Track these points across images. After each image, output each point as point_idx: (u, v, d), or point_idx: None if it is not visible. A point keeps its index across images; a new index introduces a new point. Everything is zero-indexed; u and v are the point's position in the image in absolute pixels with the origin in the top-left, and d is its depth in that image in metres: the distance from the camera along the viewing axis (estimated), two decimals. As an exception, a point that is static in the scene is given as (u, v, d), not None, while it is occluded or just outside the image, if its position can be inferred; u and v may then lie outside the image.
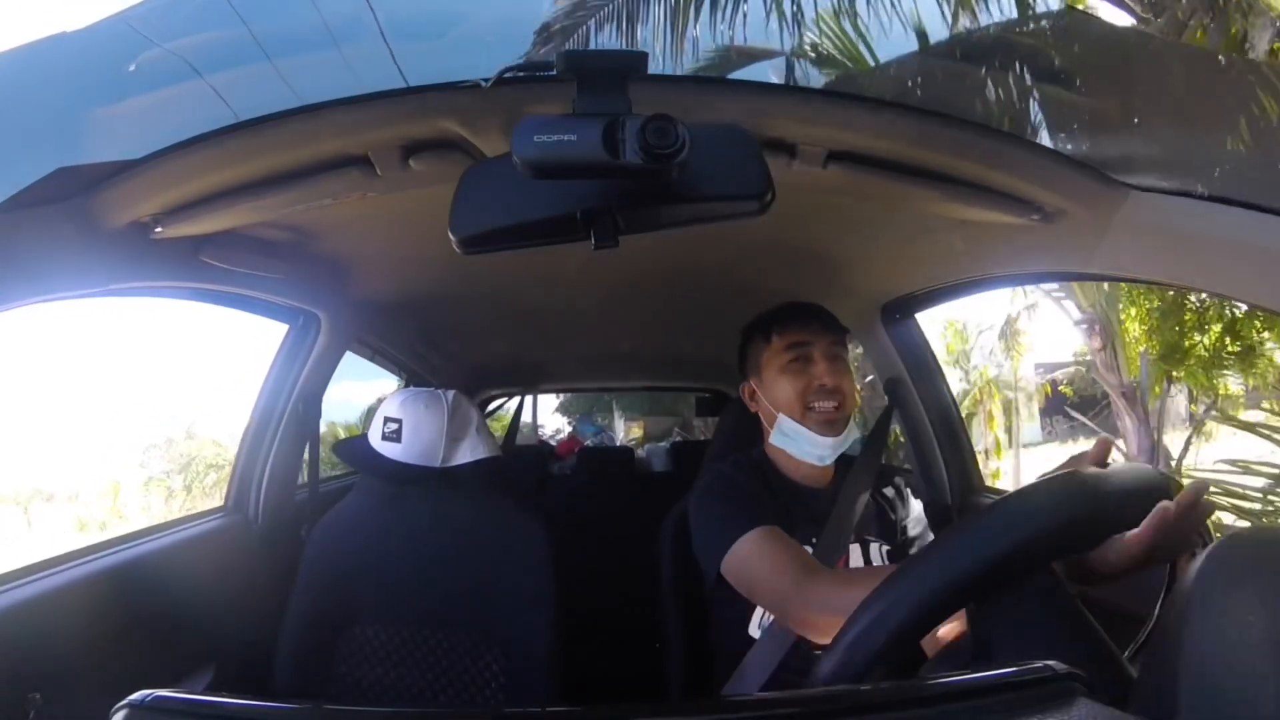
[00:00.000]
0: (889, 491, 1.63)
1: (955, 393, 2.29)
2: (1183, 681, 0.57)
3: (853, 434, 1.55)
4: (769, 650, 1.40)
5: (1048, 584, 0.83)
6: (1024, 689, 0.60)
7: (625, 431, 10.57)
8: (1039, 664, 0.62)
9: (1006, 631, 0.81)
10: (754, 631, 1.45)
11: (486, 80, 0.97)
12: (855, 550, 1.51)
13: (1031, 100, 1.18)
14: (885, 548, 1.54)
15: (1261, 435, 3.86)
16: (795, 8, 1.20)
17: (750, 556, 1.38)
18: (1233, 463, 3.70)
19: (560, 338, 3.32)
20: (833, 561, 1.47)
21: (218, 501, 2.05)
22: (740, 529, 1.40)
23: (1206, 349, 6.37)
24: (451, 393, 1.79)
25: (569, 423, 10.52)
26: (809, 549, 1.47)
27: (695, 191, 0.88)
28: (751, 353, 1.62)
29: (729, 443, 1.81)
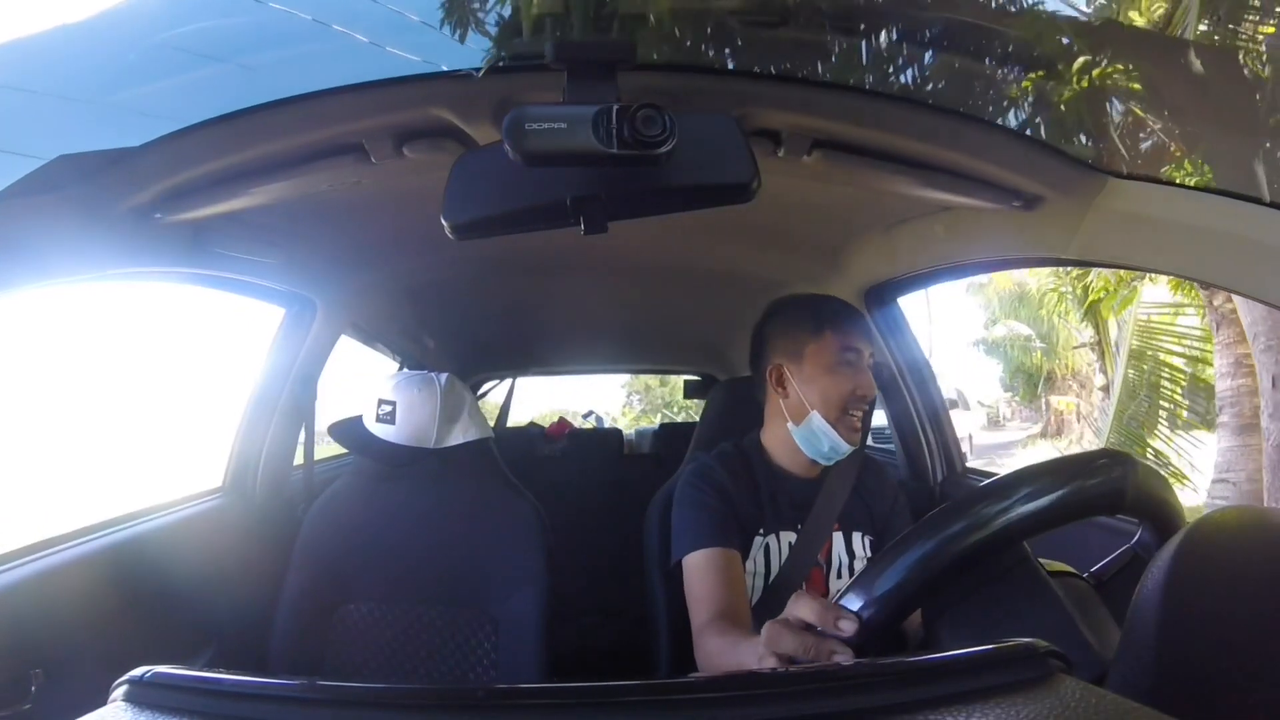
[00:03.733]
0: (872, 482, 1.62)
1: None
2: (1160, 659, 0.58)
3: None
4: (755, 632, 1.43)
5: (1018, 559, 0.86)
6: (1004, 667, 0.60)
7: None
8: (1019, 641, 0.62)
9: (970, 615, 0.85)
10: None
11: (478, 69, 0.99)
12: (838, 539, 1.53)
13: (1012, 89, 1.20)
14: (868, 538, 1.56)
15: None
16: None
17: (693, 572, 1.44)
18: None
19: (551, 322, 3.33)
20: (815, 549, 1.50)
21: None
22: (699, 542, 1.45)
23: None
24: (444, 375, 1.81)
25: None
26: (794, 535, 1.51)
27: (682, 179, 0.89)
28: (788, 338, 1.56)
29: (716, 427, 1.83)
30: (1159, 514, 0.90)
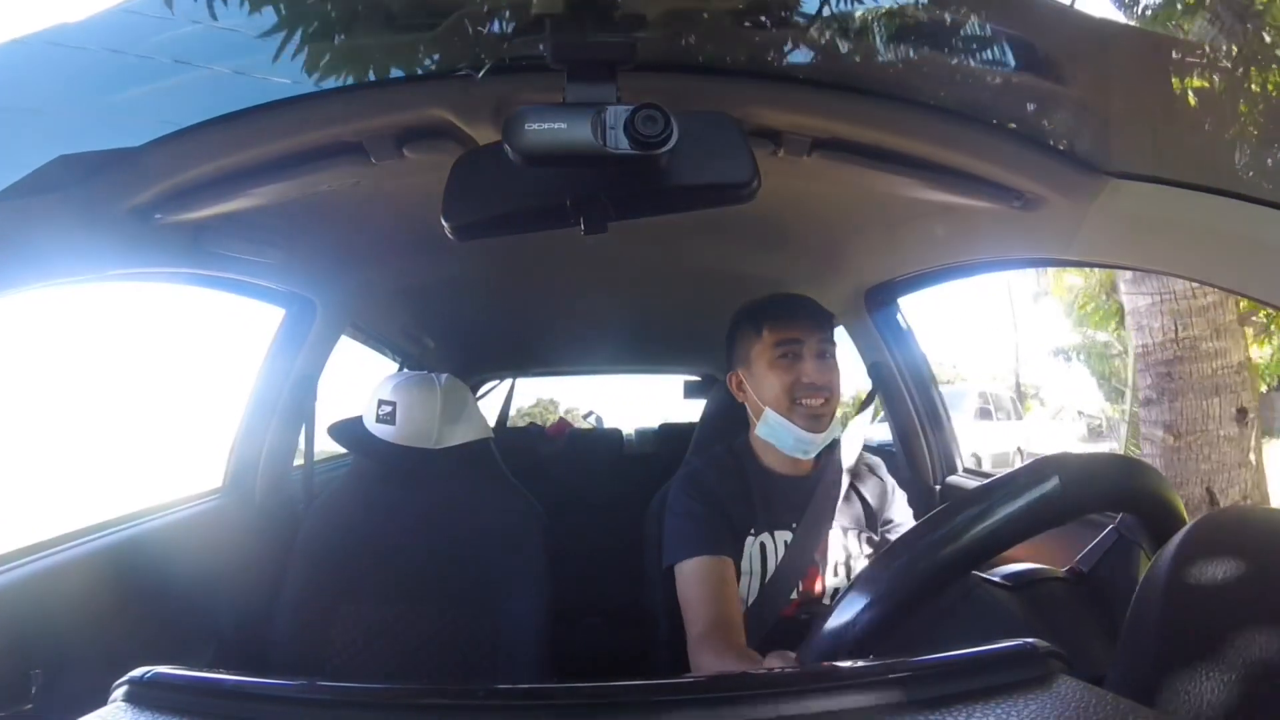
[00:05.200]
0: (870, 480, 1.64)
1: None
2: (1160, 659, 0.58)
3: (836, 430, 1.56)
4: (752, 631, 1.43)
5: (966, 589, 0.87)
6: (1004, 667, 0.60)
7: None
8: (1019, 642, 0.63)
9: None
10: None
11: (478, 70, 0.99)
12: (835, 536, 1.54)
13: (1012, 89, 1.20)
14: (865, 535, 1.56)
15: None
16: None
17: (685, 581, 1.46)
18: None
19: (551, 322, 3.33)
20: (812, 547, 1.51)
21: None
22: (690, 550, 1.47)
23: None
24: (444, 376, 1.82)
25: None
26: (790, 534, 1.52)
27: (682, 179, 0.89)
28: (740, 343, 1.61)
29: (714, 427, 1.83)
30: (1122, 501, 0.90)
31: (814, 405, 1.50)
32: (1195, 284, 4.10)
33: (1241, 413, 4.28)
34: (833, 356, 1.56)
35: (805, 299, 1.61)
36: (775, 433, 1.52)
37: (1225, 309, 4.26)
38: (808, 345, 1.52)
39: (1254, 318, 5.00)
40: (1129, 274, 4.62)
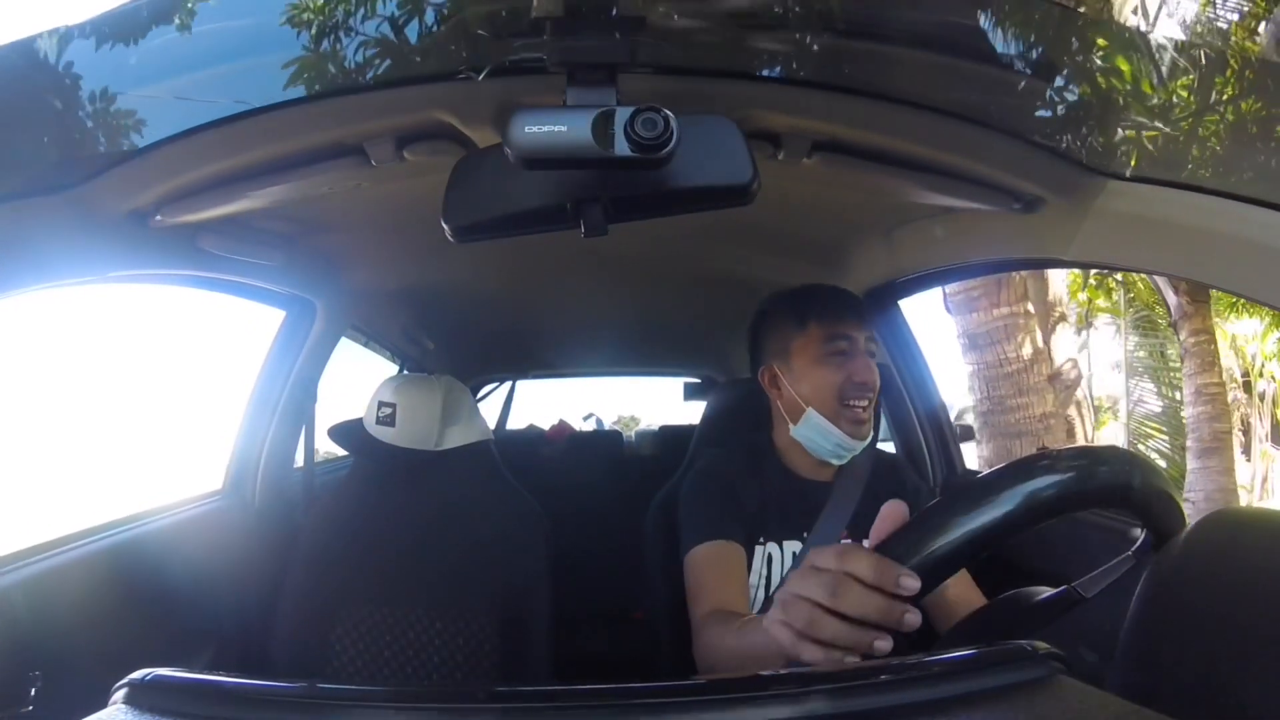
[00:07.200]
0: (887, 482, 1.56)
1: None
2: (1160, 659, 0.59)
3: (870, 435, 1.49)
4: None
5: None
6: (1004, 668, 0.60)
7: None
8: (1019, 643, 0.63)
9: None
10: None
11: (479, 72, 0.99)
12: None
13: (1012, 90, 1.20)
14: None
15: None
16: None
17: (696, 565, 1.41)
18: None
19: (551, 324, 3.33)
20: None
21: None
22: (705, 535, 1.42)
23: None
24: (445, 377, 1.82)
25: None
26: (799, 544, 1.46)
27: (682, 181, 0.89)
28: (774, 335, 1.54)
29: (715, 428, 1.82)
30: (1163, 511, 0.90)
31: (861, 408, 1.45)
32: (1004, 355, 5.43)
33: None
34: (875, 356, 1.50)
35: (847, 292, 1.57)
36: (815, 435, 1.46)
37: (1031, 374, 5.49)
38: (857, 343, 1.47)
39: (1059, 379, 5.84)
40: (962, 343, 5.63)
